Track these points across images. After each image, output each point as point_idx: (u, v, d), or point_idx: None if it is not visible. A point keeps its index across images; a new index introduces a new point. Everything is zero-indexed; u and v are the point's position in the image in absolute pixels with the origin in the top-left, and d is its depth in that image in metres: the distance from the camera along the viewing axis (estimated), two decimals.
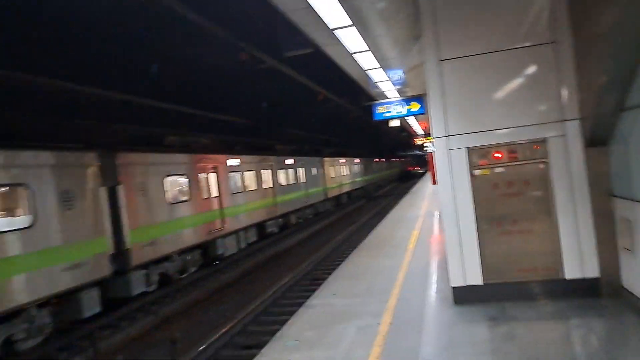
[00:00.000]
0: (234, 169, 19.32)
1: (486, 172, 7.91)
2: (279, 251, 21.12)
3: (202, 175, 16.75)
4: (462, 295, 7.90)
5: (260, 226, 22.14)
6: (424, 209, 23.42)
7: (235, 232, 19.10)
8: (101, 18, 9.71)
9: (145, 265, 13.53)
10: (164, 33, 10.96)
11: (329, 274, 12.75)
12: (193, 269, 16.33)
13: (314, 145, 36.08)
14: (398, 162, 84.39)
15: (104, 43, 11.33)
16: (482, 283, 7.84)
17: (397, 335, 6.84)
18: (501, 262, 7.86)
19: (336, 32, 7.28)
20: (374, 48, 9.30)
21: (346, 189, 39.47)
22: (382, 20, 7.59)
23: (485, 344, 6.28)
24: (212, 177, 17.51)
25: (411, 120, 26.13)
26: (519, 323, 6.82)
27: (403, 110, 14.94)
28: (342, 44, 8.12)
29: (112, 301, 12.69)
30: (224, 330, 10.84)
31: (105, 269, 11.96)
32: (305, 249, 21.39)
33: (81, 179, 11.51)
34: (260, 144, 26.22)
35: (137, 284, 13.16)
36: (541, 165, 7.76)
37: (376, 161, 58.31)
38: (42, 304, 10.33)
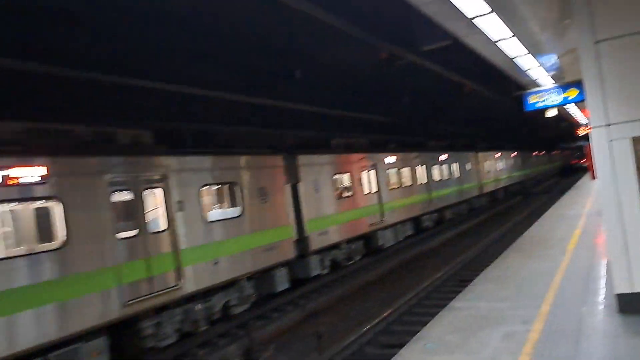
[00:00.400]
0: (390, 166, 20.39)
1: None
2: (429, 249, 20.78)
3: (363, 173, 18.20)
4: (629, 304, 7.00)
5: (415, 220, 22.64)
6: (589, 206, 21.24)
7: (393, 225, 19.96)
8: (247, 30, 10.39)
9: (319, 251, 15.37)
10: (305, 38, 11.38)
11: (477, 275, 12.16)
12: (357, 257, 17.77)
13: (463, 139, 34.93)
14: (559, 155, 77.61)
15: (250, 53, 12.13)
16: None
17: (550, 344, 6.27)
18: None
19: (475, 21, 6.88)
20: (519, 33, 8.64)
21: (502, 184, 37.70)
22: (525, 3, 7.01)
23: None
24: (372, 174, 18.83)
25: (572, 109, 23.87)
26: None
27: (558, 98, 13.63)
28: (483, 33, 7.66)
29: (295, 281, 14.73)
30: (367, 327, 10.91)
31: (291, 252, 14.07)
32: (454, 247, 20.70)
33: (272, 177, 13.81)
34: (414, 141, 26.67)
35: (314, 267, 15.20)
36: None
37: (534, 155, 54.30)
38: (248, 277, 12.64)
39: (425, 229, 23.55)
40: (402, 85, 17.68)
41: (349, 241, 17.12)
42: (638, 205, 6.89)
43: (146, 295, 9.57)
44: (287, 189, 14.28)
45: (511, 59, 9.97)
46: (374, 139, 21.69)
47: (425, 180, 23.59)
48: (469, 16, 6.62)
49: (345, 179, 17.46)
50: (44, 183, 8.18)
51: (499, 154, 37.87)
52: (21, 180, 7.91)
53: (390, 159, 20.38)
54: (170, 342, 10.47)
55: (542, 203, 33.13)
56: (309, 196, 14.97)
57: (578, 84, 13.75)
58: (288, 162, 14.44)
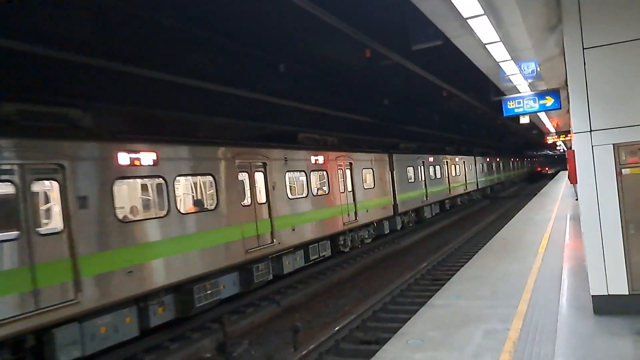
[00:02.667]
0: (431, 164, 28.37)
1: (637, 170, 7.11)
2: (397, 250, 20.97)
3: (419, 167, 26.72)
4: (604, 305, 7.21)
5: (441, 203, 30.81)
6: (555, 211, 21.81)
7: (430, 204, 28.09)
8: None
9: (401, 214, 23.62)
10: (292, 31, 11.30)
11: (451, 275, 12.34)
12: (412, 223, 25.65)
13: (439, 142, 36.49)
14: (525, 162, 79.68)
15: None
16: (627, 293, 7.09)
17: (529, 342, 6.41)
18: None
19: (470, 22, 6.95)
20: (505, 39, 8.77)
21: (488, 183, 44.77)
22: (517, 7, 7.13)
23: None
24: (421, 168, 26.93)
25: (543, 117, 24.48)
26: None
27: (535, 105, 13.93)
28: (473, 35, 7.76)
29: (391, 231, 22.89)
30: (343, 323, 10.92)
31: (391, 212, 22.36)
32: (424, 249, 20.96)
33: (383, 167, 22.27)
34: (437, 146, 33.71)
35: (399, 223, 23.53)
36: None
37: (500, 160, 55.66)
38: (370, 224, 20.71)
39: (445, 210, 31.58)
40: (385, 85, 17.78)
41: (413, 211, 25.55)
42: (617, 211, 7.10)
43: (348, 222, 18.12)
44: (389, 174, 22.40)
45: (497, 63, 10.12)
46: (356, 139, 23.54)
47: (446, 175, 31.32)
48: (465, 16, 6.67)
49: (411, 170, 25.18)
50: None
51: (488, 158, 46.52)
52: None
53: (431, 159, 28.39)
54: (346, 250, 18.50)
55: (510, 207, 33.88)
56: (398, 180, 23.04)
57: (554, 92, 14.11)
58: (389, 158, 22.55)
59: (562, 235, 15.03)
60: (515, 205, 34.10)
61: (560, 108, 14.24)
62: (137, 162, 9.77)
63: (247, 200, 13.06)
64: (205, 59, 11.99)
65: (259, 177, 13.60)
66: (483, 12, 6.91)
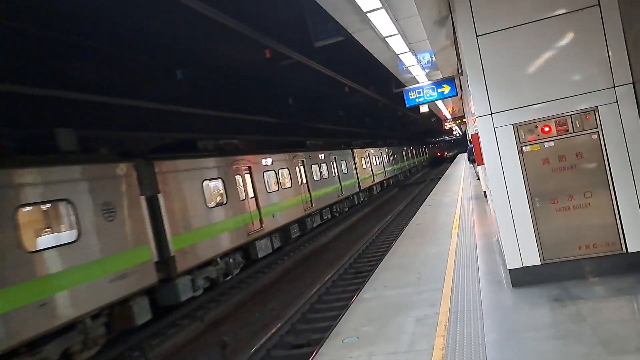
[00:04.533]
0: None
1: (536, 147, 7.55)
2: (316, 248, 21.04)
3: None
4: (520, 277, 7.58)
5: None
6: (460, 193, 22.94)
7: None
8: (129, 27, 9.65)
9: (363, 191, 32.49)
10: (187, 35, 10.85)
11: (374, 266, 12.51)
12: (368, 196, 34.82)
13: (346, 137, 37.57)
14: (427, 148, 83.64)
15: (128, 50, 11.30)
16: (539, 263, 7.51)
17: (459, 323, 6.58)
18: (559, 239, 7.48)
19: (369, 15, 7.00)
20: (403, 31, 9.00)
21: (394, 172, 48.20)
22: (412, 0, 7.29)
23: (554, 327, 5.97)
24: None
25: (440, 105, 25.67)
26: (586, 302, 6.46)
27: (434, 94, 14.55)
28: (373, 29, 7.85)
29: None
30: (272, 330, 10.72)
31: (357, 189, 30.46)
32: (342, 243, 21.21)
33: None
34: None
35: (362, 197, 32.68)
36: (594, 136, 7.36)
37: (404, 149, 57.90)
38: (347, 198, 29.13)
39: (385, 187, 41.02)
40: (288, 85, 17.70)
41: (368, 188, 34.15)
42: (523, 187, 7.49)
43: (340, 195, 27.21)
44: (353, 163, 30.56)
45: (397, 55, 10.36)
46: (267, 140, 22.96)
47: (383, 162, 40.10)
48: (364, 10, 6.71)
49: (364, 160, 33.32)
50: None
51: (405, 147, 54.73)
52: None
53: (372, 151, 36.80)
54: (337, 215, 26.87)
55: (418, 192, 35.25)
56: (359, 167, 31.51)
57: (449, 81, 14.80)
58: (352, 152, 30.46)
59: (470, 214, 15.78)
60: (423, 190, 35.55)
61: (456, 95, 14.95)
62: (266, 163, 18.46)
63: (299, 181, 21.57)
64: (95, 70, 11.22)
65: (300, 169, 22.07)
66: (381, 6, 7.00)
